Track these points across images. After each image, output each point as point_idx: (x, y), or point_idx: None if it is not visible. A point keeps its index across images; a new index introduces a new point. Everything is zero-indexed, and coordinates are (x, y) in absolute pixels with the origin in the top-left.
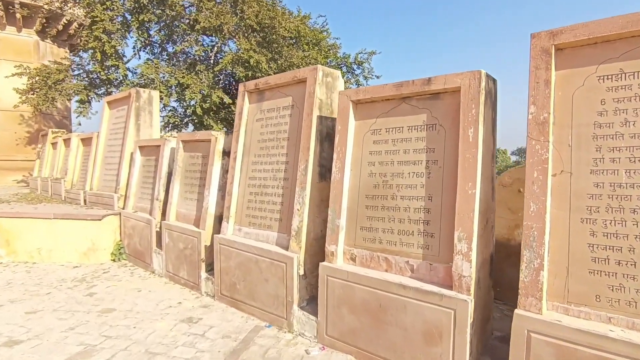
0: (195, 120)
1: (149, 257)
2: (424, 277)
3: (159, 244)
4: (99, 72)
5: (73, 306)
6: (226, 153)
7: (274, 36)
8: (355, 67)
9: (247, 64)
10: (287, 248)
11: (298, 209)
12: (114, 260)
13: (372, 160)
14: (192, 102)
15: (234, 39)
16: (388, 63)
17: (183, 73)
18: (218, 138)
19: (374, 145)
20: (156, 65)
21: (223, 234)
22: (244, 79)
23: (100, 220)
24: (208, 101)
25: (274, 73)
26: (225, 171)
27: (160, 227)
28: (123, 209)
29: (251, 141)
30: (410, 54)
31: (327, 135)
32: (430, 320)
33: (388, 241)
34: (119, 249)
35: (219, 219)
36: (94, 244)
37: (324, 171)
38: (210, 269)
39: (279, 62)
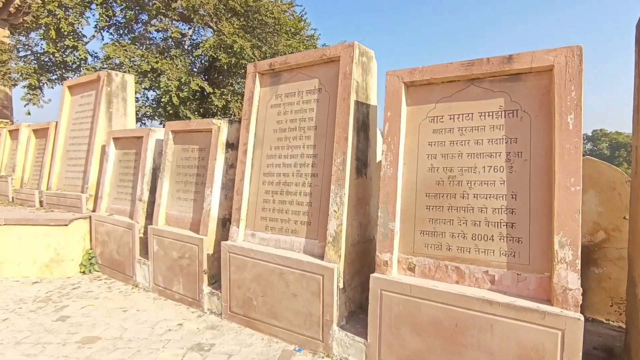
0: (170, 111)
1: (130, 268)
2: (508, 290)
3: (144, 252)
4: (53, 53)
5: (42, 336)
6: (230, 145)
7: (256, 22)
8: None
9: (230, 50)
10: (321, 257)
11: (335, 211)
12: (83, 272)
13: (432, 152)
14: (167, 91)
15: (212, 23)
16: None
17: (156, 57)
18: (221, 127)
19: (434, 135)
20: (125, 47)
21: (232, 240)
22: (225, 67)
23: (66, 225)
24: (186, 90)
25: (260, 60)
26: (229, 166)
27: (146, 233)
28: (94, 211)
29: (265, 131)
30: (395, 48)
31: (363, 124)
32: (527, 342)
33: (459, 247)
34: (90, 259)
35: (223, 223)
36: (58, 254)
37: (360, 165)
38: (214, 282)
39: (262, 49)
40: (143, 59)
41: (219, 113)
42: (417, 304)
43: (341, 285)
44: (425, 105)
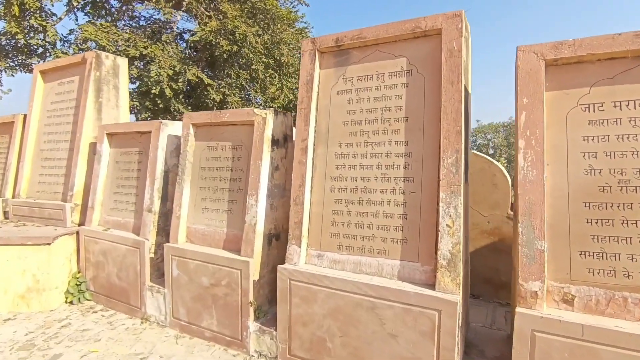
0: (160, 105)
1: (136, 296)
2: None
3: (156, 276)
4: (15, 34)
5: None
6: (275, 142)
7: (257, 8)
8: None
9: (231, 36)
10: (426, 284)
11: (449, 225)
12: (71, 302)
13: (590, 150)
14: (158, 81)
15: (208, 9)
16: None
17: (145, 42)
18: (267, 119)
19: (590, 128)
20: (106, 29)
21: (291, 263)
22: (224, 56)
23: (49, 245)
24: (181, 80)
25: (262, 49)
26: (274, 168)
27: (157, 252)
28: (81, 224)
29: (330, 124)
30: None
31: (466, 114)
32: None
33: None
34: (78, 285)
35: (268, 240)
36: (37, 282)
37: (465, 167)
38: (264, 315)
39: (264, 37)
40: (129, 43)
41: (215, 108)
42: (593, 350)
43: (460, 323)
44: (574, 89)
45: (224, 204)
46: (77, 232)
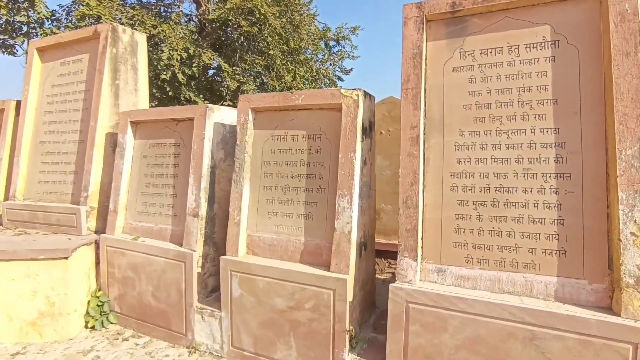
0: (170, 93)
1: (180, 320)
2: None
3: (203, 296)
4: None
5: None
6: (364, 130)
7: None
8: (333, 44)
9: (250, 16)
10: (604, 308)
11: (633, 234)
12: (93, 327)
13: None
14: (169, 65)
15: None
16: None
17: (154, 21)
18: (359, 102)
19: None
20: (110, 2)
21: (405, 280)
22: (242, 37)
23: (66, 258)
24: (195, 64)
25: (281, 31)
26: (363, 162)
27: (204, 266)
28: (97, 232)
29: (444, 107)
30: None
31: None
32: None
33: None
34: (100, 306)
35: (360, 250)
36: (52, 305)
37: None
38: (360, 345)
39: (283, 19)
40: (134, 21)
41: (229, 97)
42: None
43: None
44: None
45: (298, 206)
46: (96, 242)
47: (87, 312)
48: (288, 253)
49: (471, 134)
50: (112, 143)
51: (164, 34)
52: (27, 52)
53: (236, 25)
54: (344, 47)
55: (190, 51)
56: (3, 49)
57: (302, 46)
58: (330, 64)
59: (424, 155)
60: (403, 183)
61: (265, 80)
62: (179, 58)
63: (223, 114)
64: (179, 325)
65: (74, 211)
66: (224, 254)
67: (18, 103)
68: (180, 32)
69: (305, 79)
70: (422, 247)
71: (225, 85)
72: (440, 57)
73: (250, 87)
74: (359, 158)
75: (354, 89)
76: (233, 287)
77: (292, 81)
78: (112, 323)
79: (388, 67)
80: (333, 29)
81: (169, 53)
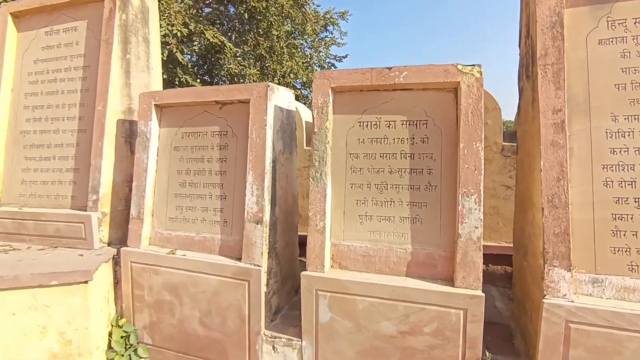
0: (164, 76)
1: (242, 351)
2: None
3: (269, 319)
4: None
5: None
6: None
7: None
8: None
9: None
10: None
11: None
12: None
13: None
14: (165, 43)
15: None
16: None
17: None
18: (481, 79)
19: None
20: None
21: (558, 294)
22: (246, 15)
23: (86, 283)
24: (196, 42)
25: (289, 13)
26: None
27: (268, 284)
28: (113, 244)
29: (589, 87)
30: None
31: None
32: None
33: None
34: (125, 338)
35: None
36: (69, 343)
37: None
38: None
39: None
40: None
41: (228, 82)
42: None
43: None
44: None
45: (401, 208)
46: (113, 258)
47: (110, 347)
48: (389, 265)
49: (627, 118)
50: (124, 132)
51: (162, 5)
52: None
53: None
54: (331, 33)
55: (191, 27)
56: None
57: (307, 28)
58: (322, 50)
59: (567, 143)
60: (547, 178)
61: (266, 64)
62: (178, 35)
63: (281, 96)
64: (240, 358)
65: (82, 219)
66: (289, 267)
67: None
68: (175, 6)
69: (300, 66)
70: (572, 255)
71: (226, 69)
72: (581, 28)
73: (252, 72)
74: (482, 148)
75: (473, 65)
76: (320, 310)
77: (296, 66)
78: (141, 358)
79: (379, 53)
80: (321, 14)
81: (167, 29)
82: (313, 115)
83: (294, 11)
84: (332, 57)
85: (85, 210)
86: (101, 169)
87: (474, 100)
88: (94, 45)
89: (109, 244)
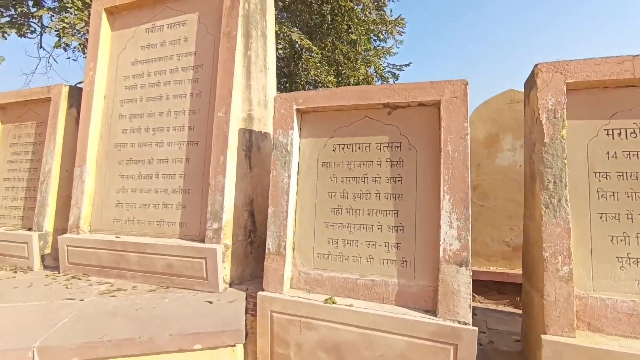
0: None
1: None
2: None
3: None
4: None
5: None
6: None
7: None
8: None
9: None
10: None
11: None
12: None
13: None
14: None
15: None
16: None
17: None
18: None
19: None
20: None
21: None
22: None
23: (234, 346)
24: (280, 46)
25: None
26: None
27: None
28: (234, 284)
29: None
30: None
31: None
32: None
33: None
34: None
35: None
36: None
37: None
38: None
39: None
40: None
41: (303, 90)
42: None
43: None
44: None
45: None
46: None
47: None
48: None
49: None
50: (244, 144)
51: None
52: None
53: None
54: (384, 42)
55: (276, 28)
56: (15, 28)
57: (389, 30)
58: (382, 58)
59: None
60: None
61: (342, 70)
62: None
63: None
64: None
65: (203, 253)
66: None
67: (72, 90)
68: None
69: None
70: None
71: (306, 74)
72: None
73: (330, 79)
74: None
75: None
76: None
77: (370, 74)
78: None
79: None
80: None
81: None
82: (542, 121)
83: (369, 13)
84: (390, 66)
85: (204, 242)
86: (224, 190)
87: None
88: (208, 41)
89: (230, 285)
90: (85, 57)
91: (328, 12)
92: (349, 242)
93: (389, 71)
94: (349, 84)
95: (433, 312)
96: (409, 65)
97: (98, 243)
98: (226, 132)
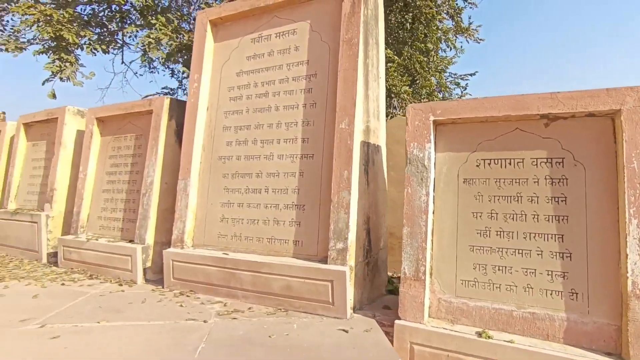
0: None
1: None
2: None
3: None
4: None
5: None
6: None
7: None
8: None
9: None
10: None
11: None
12: None
13: None
14: None
15: None
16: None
17: None
18: None
19: None
20: None
21: None
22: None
23: None
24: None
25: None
26: None
27: None
28: (356, 309)
29: None
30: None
31: None
32: None
33: None
34: None
35: None
36: None
37: None
38: None
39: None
40: None
41: None
42: None
43: None
44: None
45: None
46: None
47: None
48: None
49: None
50: (364, 158)
51: None
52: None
53: (413, 4)
54: (444, 51)
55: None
56: (106, 44)
57: (466, 36)
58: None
59: None
60: None
61: (416, 80)
62: None
63: None
64: None
65: (328, 276)
66: None
67: (172, 102)
68: None
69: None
70: None
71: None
72: None
73: (404, 88)
74: None
75: None
76: None
77: (442, 83)
78: None
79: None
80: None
81: None
82: None
83: (446, 21)
84: (454, 75)
85: (325, 262)
86: (349, 207)
87: None
88: (322, 50)
89: (354, 310)
90: (165, 70)
91: (409, 20)
92: (500, 268)
93: (451, 80)
94: (422, 94)
95: (618, 355)
96: (474, 74)
97: (206, 259)
98: (350, 145)
